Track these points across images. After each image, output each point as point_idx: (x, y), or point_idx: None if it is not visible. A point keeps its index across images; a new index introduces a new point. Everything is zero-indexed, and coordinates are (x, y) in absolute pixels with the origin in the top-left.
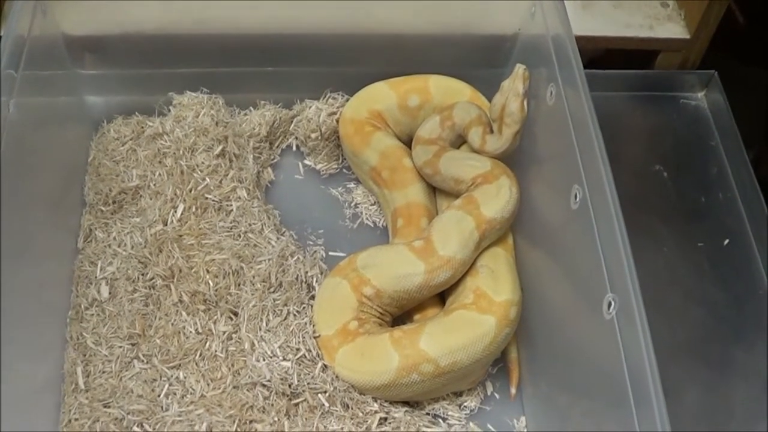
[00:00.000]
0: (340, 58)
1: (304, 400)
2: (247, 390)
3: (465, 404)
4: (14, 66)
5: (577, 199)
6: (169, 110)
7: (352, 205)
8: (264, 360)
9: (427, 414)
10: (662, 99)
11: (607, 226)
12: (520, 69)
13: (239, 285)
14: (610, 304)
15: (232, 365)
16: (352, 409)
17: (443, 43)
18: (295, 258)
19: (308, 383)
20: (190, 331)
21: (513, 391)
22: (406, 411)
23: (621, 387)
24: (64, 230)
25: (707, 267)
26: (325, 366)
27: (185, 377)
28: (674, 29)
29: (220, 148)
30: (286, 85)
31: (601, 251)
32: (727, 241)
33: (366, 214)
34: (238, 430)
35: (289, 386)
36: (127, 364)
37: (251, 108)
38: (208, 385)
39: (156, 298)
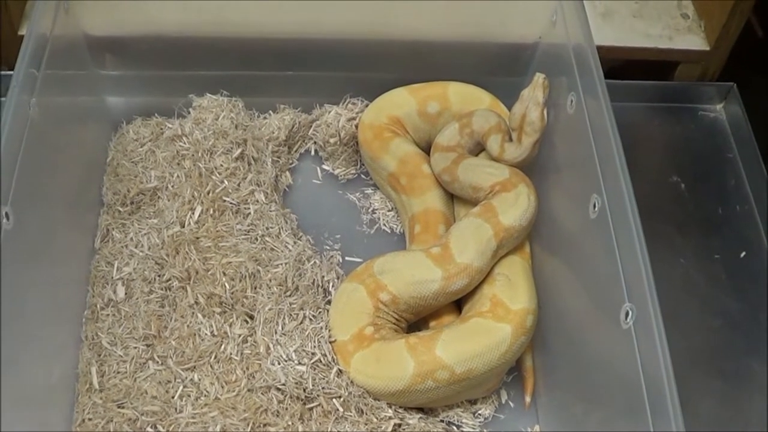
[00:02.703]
0: (360, 63)
1: (319, 404)
2: (262, 393)
3: (479, 412)
4: (36, 65)
5: (596, 208)
6: (189, 112)
7: (370, 210)
8: (279, 363)
9: (441, 421)
10: (681, 110)
11: (626, 236)
12: (539, 78)
13: (255, 288)
14: (627, 314)
15: (247, 368)
16: (366, 414)
17: (463, 51)
18: (312, 262)
19: (323, 388)
20: (206, 333)
21: (527, 399)
22: (420, 417)
23: (637, 397)
24: (81, 230)
25: (724, 278)
26: (340, 371)
27: (200, 379)
28: (694, 41)
29: (239, 151)
30: (305, 89)
31: (620, 261)
32: (744, 253)
33: (383, 219)
34: None
35: (304, 390)
36: (141, 365)
37: (271, 112)
38: (222, 387)
39: (172, 300)
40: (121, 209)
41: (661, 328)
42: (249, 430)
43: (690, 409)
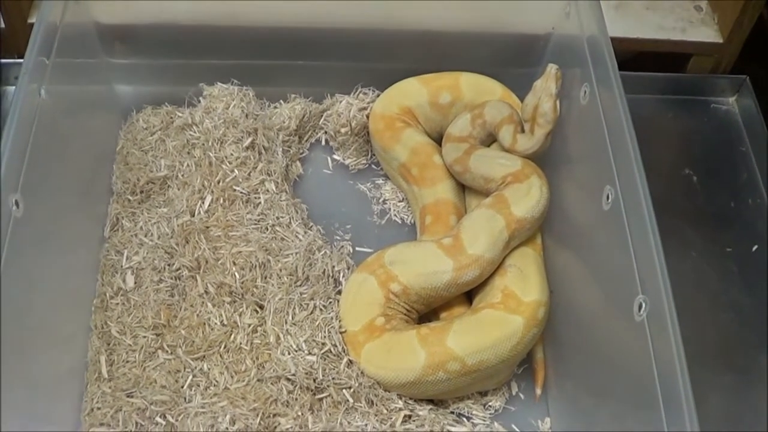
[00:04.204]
0: (371, 53)
1: (329, 395)
2: (272, 383)
3: (490, 404)
4: (46, 53)
5: (609, 199)
6: (199, 101)
7: (381, 201)
8: (289, 354)
9: (452, 413)
10: (693, 103)
11: (640, 228)
12: (552, 69)
13: (265, 278)
14: (641, 306)
15: (257, 358)
16: (376, 405)
17: (476, 41)
18: (322, 252)
19: (333, 378)
20: (215, 323)
21: (538, 391)
22: (430, 409)
23: (650, 390)
24: (91, 218)
25: (735, 272)
26: (351, 361)
27: (209, 369)
28: (707, 33)
29: (250, 140)
30: (316, 79)
31: (633, 252)
32: (755, 247)
33: (394, 210)
34: (262, 423)
35: (314, 381)
36: (151, 354)
37: (281, 101)
38: (232, 377)
39: (181, 289)
40: (130, 198)
41: (674, 320)
42: (258, 420)
43: (700, 402)
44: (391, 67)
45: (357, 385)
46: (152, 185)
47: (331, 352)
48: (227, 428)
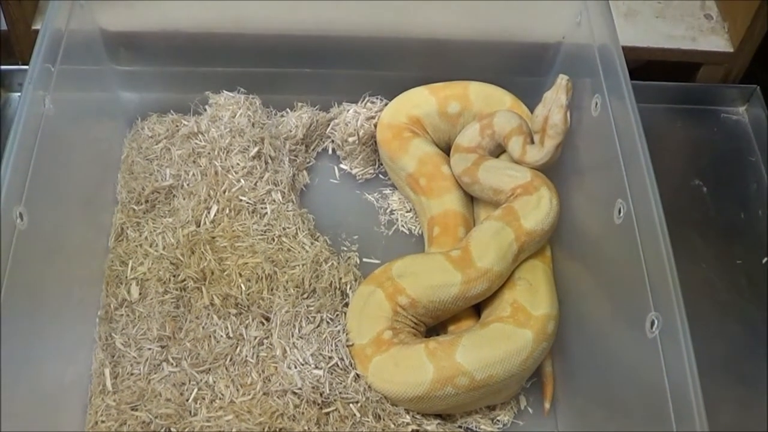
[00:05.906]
0: (379, 61)
1: (336, 409)
2: (278, 397)
3: (498, 418)
4: (51, 60)
5: (621, 213)
6: (205, 109)
7: (388, 211)
8: (296, 367)
9: (460, 427)
10: (703, 112)
11: (653, 243)
12: (563, 80)
13: (272, 290)
14: (653, 323)
15: (263, 371)
16: (383, 420)
17: (485, 50)
18: (330, 264)
19: (340, 392)
20: (221, 335)
21: (547, 406)
22: (438, 423)
23: (661, 407)
24: (95, 228)
25: (745, 284)
26: (358, 375)
27: (215, 382)
28: (717, 42)
29: (256, 149)
30: (324, 87)
31: (645, 268)
32: (765, 259)
33: (402, 221)
34: None
35: (321, 395)
36: (155, 367)
37: (288, 110)
38: (237, 390)
39: (187, 301)
40: (135, 207)
41: (688, 338)
42: None
43: (710, 415)
44: (399, 76)
45: (364, 399)
46: (157, 195)
47: (338, 365)
48: None
